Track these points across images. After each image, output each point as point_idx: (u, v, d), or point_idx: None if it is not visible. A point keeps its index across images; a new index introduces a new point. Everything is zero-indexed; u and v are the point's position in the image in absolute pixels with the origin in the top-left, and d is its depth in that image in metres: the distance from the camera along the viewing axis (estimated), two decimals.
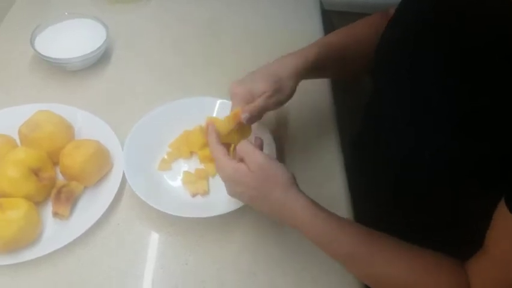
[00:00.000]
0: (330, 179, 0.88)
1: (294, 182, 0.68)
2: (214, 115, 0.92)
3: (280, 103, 0.78)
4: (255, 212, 0.82)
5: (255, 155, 0.67)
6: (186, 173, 0.86)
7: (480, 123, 0.60)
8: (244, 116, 0.73)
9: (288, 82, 0.78)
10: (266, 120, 0.90)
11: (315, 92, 1.02)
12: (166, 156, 0.88)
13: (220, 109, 0.92)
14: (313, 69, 0.81)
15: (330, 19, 1.30)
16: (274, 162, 0.68)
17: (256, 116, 0.75)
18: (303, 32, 1.16)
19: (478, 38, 0.62)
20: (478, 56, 0.62)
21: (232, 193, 0.71)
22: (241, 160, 0.69)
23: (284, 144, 0.92)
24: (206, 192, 0.84)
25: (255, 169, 0.66)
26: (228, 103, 0.85)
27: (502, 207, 0.56)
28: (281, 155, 0.89)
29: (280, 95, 0.77)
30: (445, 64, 0.66)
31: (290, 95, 0.79)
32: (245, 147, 0.69)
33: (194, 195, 0.83)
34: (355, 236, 0.67)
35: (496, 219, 0.58)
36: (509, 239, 0.57)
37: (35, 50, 1.01)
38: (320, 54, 0.81)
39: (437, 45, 0.67)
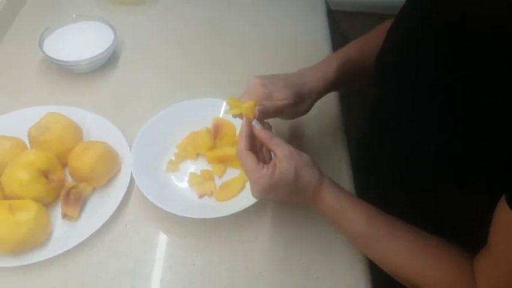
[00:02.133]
0: (337, 180, 0.88)
1: (314, 163, 0.72)
2: (221, 116, 0.93)
3: (295, 115, 0.79)
4: (262, 213, 0.82)
5: (284, 147, 0.69)
6: (192, 174, 0.87)
7: (483, 120, 0.60)
8: (259, 108, 0.73)
9: (308, 98, 0.79)
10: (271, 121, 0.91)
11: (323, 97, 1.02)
12: (173, 158, 0.89)
13: (226, 110, 0.92)
14: (333, 86, 0.82)
15: (336, 19, 1.30)
16: (296, 151, 0.71)
17: (269, 114, 0.75)
18: (309, 32, 1.16)
19: (477, 36, 0.62)
20: (477, 54, 0.62)
21: (262, 197, 0.70)
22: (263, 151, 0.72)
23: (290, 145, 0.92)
24: (213, 193, 0.84)
25: (287, 166, 0.68)
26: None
27: (502, 205, 0.56)
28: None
29: (299, 108, 0.78)
30: (447, 62, 0.66)
31: (307, 111, 0.80)
32: (275, 139, 0.71)
33: (201, 196, 0.84)
34: (370, 216, 0.70)
35: (497, 216, 0.59)
36: (509, 237, 0.57)
37: (43, 52, 1.02)
38: (339, 71, 0.82)
39: (439, 43, 0.67)
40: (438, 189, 0.73)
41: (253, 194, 0.69)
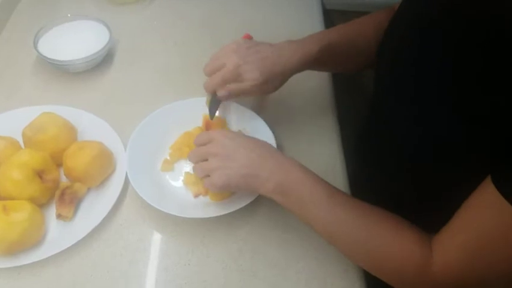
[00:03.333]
0: (330, 173, 0.88)
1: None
2: (217, 115, 0.93)
3: (263, 93, 0.82)
4: (256, 213, 0.82)
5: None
6: (187, 174, 0.87)
7: (483, 112, 0.61)
8: (222, 93, 0.79)
9: (280, 78, 0.80)
10: (266, 116, 0.92)
11: (316, 88, 1.03)
12: (168, 157, 0.89)
13: (221, 110, 0.92)
14: (312, 64, 0.83)
15: (331, 18, 1.30)
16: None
17: (234, 96, 0.81)
18: (305, 31, 1.15)
19: (480, 31, 0.61)
20: (480, 51, 0.61)
21: (224, 157, 0.73)
22: None
23: (284, 140, 0.93)
24: (208, 193, 0.84)
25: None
26: (232, 104, 0.86)
27: (485, 182, 0.58)
28: (281, 151, 0.89)
29: (267, 88, 0.80)
30: (450, 58, 0.66)
31: (277, 88, 0.82)
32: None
33: (196, 196, 0.84)
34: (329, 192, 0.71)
35: (474, 192, 0.60)
36: (481, 209, 0.58)
37: (38, 52, 1.02)
38: (321, 51, 0.82)
39: (441, 39, 0.67)
40: (436, 179, 0.73)
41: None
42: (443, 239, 0.63)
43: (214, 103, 0.86)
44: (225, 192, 0.82)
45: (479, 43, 0.62)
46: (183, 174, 0.87)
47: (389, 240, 0.66)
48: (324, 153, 0.92)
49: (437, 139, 0.68)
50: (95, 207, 0.81)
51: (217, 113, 0.91)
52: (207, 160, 0.75)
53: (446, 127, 0.65)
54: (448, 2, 0.67)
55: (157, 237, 0.80)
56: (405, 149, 0.77)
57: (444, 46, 0.67)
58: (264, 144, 0.76)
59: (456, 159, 0.67)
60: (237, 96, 0.82)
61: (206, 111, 0.89)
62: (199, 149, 0.77)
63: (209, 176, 0.74)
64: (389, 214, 0.69)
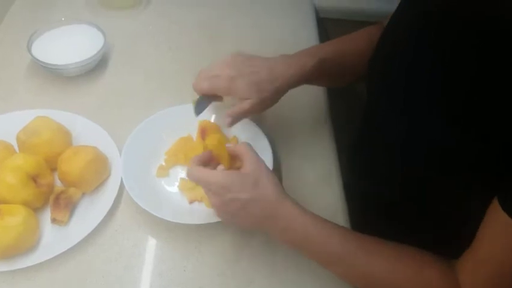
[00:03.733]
0: (326, 183, 0.89)
1: (279, 182, 0.70)
2: (212, 121, 0.93)
3: (261, 111, 0.81)
4: None
5: (252, 155, 0.70)
6: (182, 180, 0.87)
7: (477, 120, 0.61)
8: (227, 121, 0.78)
9: (275, 95, 0.80)
10: (262, 124, 0.92)
11: (312, 98, 1.04)
12: (163, 163, 0.89)
13: (217, 116, 0.93)
14: (307, 79, 0.83)
15: (325, 27, 1.31)
16: (264, 165, 0.71)
17: (238, 119, 0.80)
18: (299, 40, 1.17)
19: (473, 36, 0.62)
20: (473, 56, 0.62)
21: (220, 203, 0.69)
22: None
23: (280, 149, 0.93)
24: (203, 199, 0.84)
25: (250, 169, 0.68)
26: (224, 112, 0.86)
27: (493, 206, 0.58)
28: (277, 159, 0.90)
29: (264, 105, 0.80)
30: (442, 64, 0.66)
31: (274, 103, 0.81)
32: (244, 147, 0.71)
33: (192, 201, 0.84)
34: (339, 236, 0.68)
35: (487, 217, 0.60)
36: (498, 237, 0.58)
37: (32, 56, 1.01)
38: (315, 66, 0.82)
39: (433, 49, 0.68)
40: (431, 187, 0.74)
41: (213, 204, 0.70)
42: (470, 270, 0.63)
43: (201, 104, 0.86)
44: None
45: (474, 45, 0.62)
46: (178, 180, 0.87)
47: (419, 280, 0.65)
48: (320, 161, 0.93)
49: (429, 147, 0.68)
50: (90, 212, 0.81)
51: (212, 120, 0.92)
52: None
53: (438, 134, 0.66)
54: (443, 3, 0.68)
55: (152, 243, 0.80)
56: (396, 157, 0.78)
57: (438, 49, 0.67)
58: (272, 195, 0.69)
59: (448, 167, 0.67)
60: (240, 118, 0.80)
61: (202, 117, 0.90)
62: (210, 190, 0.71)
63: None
64: (410, 249, 0.68)
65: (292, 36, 1.19)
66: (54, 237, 0.78)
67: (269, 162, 0.85)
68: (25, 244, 0.75)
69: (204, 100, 0.84)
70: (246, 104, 0.77)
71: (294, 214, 0.68)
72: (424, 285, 0.65)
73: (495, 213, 0.58)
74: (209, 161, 0.75)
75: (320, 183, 0.89)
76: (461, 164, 0.65)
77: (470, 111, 0.62)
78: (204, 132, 0.90)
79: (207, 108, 0.85)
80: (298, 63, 0.81)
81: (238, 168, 0.72)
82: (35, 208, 0.79)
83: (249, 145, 0.72)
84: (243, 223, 0.72)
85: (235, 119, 0.79)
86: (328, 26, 1.32)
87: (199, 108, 0.86)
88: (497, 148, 0.59)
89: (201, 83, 0.80)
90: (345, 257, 0.68)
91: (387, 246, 0.68)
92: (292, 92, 0.84)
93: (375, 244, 0.68)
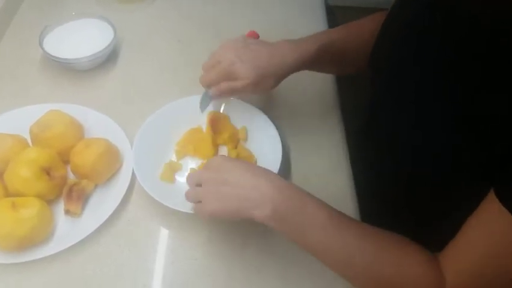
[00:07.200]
0: (335, 172, 0.89)
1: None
2: (221, 111, 0.93)
3: (257, 93, 0.82)
4: None
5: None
6: (193, 170, 0.87)
7: (483, 118, 0.60)
8: (214, 92, 0.81)
9: (273, 77, 0.80)
10: (270, 113, 0.93)
11: (320, 87, 1.04)
12: (174, 155, 0.90)
13: (226, 106, 0.93)
14: (309, 64, 0.83)
15: (334, 14, 1.30)
16: None
17: (226, 95, 0.82)
18: (308, 28, 1.16)
19: (483, 31, 0.61)
20: (483, 51, 0.61)
21: (219, 181, 0.67)
22: None
23: (289, 137, 0.94)
24: None
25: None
26: (236, 101, 0.86)
27: (487, 197, 0.57)
28: (285, 148, 0.91)
29: (260, 87, 0.80)
30: (450, 58, 0.65)
31: (273, 87, 0.82)
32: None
33: None
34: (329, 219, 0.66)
35: (478, 208, 0.59)
36: (487, 225, 0.58)
37: (44, 50, 1.03)
38: (319, 51, 0.82)
39: (440, 37, 0.67)
40: (435, 184, 0.73)
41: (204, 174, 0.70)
42: (453, 258, 0.62)
43: (206, 98, 0.87)
44: None
45: (481, 42, 0.61)
46: (189, 170, 0.88)
47: (402, 267, 0.64)
48: (329, 150, 0.93)
49: (435, 145, 0.67)
50: (102, 204, 0.82)
51: (212, 108, 0.92)
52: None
53: (444, 133, 0.65)
54: (439, 2, 0.67)
55: (164, 233, 0.81)
56: (401, 154, 0.77)
57: (442, 47, 0.66)
58: (263, 168, 0.70)
59: (453, 166, 0.66)
60: (229, 95, 0.83)
61: (212, 108, 0.90)
62: (194, 174, 0.73)
63: (200, 202, 0.69)
64: (395, 237, 0.67)
65: (301, 25, 1.19)
66: (67, 229, 0.80)
67: (278, 150, 0.85)
68: (39, 236, 0.76)
69: (208, 95, 0.84)
70: (237, 83, 0.79)
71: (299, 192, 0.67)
72: (406, 272, 0.64)
73: (488, 203, 0.57)
74: None
75: (329, 171, 0.89)
76: (466, 162, 0.64)
77: (479, 108, 0.60)
78: (213, 123, 0.91)
79: (223, 103, 0.86)
80: (301, 48, 0.81)
81: None
82: (49, 200, 0.81)
83: None
84: (237, 202, 0.66)
85: (221, 93, 0.81)
86: (337, 13, 1.31)
87: (203, 103, 0.87)
88: (502, 149, 0.58)
89: (205, 76, 0.81)
90: (335, 240, 0.65)
91: (371, 231, 0.67)
92: (301, 81, 0.84)
93: (360, 229, 0.67)
